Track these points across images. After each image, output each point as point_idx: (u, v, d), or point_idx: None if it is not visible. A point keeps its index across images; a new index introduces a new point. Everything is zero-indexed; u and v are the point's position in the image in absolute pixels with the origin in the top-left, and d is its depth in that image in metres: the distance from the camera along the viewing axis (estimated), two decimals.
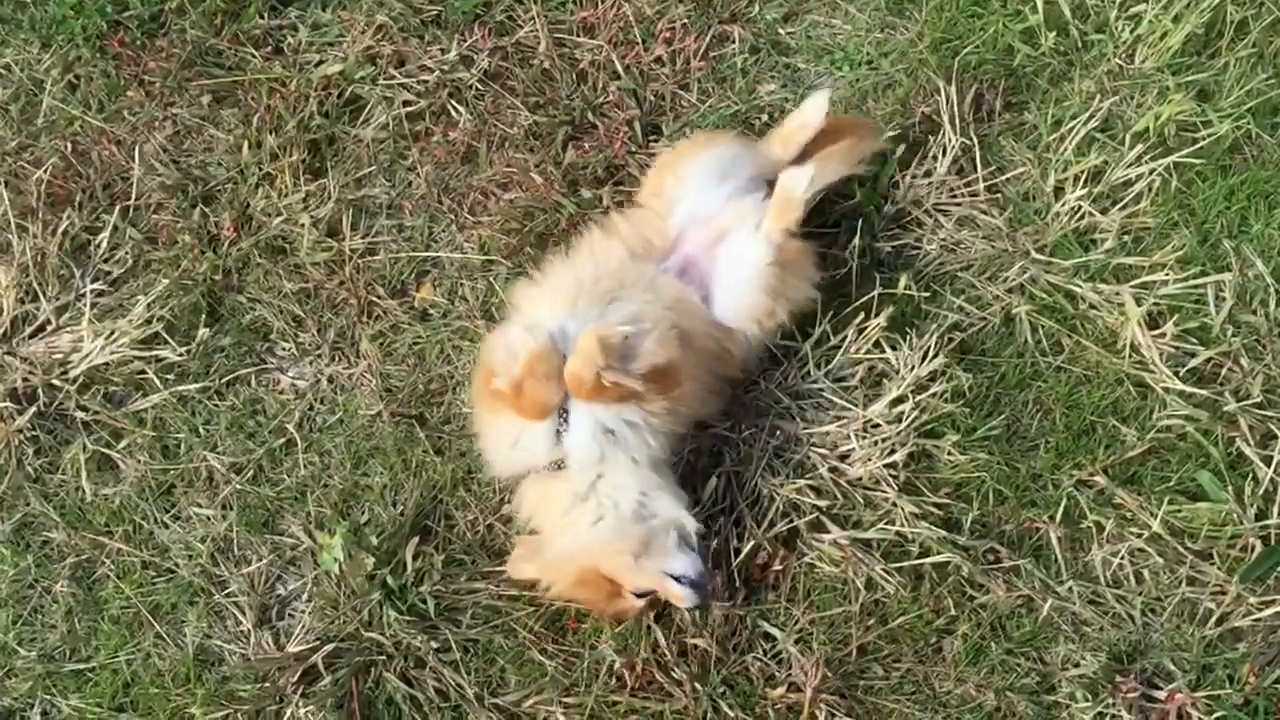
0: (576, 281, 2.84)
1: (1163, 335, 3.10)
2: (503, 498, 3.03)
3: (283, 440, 3.20)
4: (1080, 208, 3.29)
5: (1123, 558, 2.91)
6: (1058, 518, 2.93)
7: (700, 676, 2.78)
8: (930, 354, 3.05)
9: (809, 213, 2.98)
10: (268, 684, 2.87)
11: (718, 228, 2.98)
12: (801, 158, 3.12)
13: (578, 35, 3.66)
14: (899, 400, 2.99)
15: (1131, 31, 3.49)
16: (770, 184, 3.00)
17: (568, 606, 2.89)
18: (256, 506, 3.12)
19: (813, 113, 3.14)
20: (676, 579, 2.65)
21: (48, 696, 2.95)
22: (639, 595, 2.68)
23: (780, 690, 2.78)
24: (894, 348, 3.07)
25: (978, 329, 3.18)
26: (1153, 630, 2.85)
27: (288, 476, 3.15)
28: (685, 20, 3.65)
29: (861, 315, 3.08)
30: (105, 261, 3.44)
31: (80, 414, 3.22)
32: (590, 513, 2.71)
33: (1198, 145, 3.33)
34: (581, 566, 2.67)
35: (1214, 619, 2.82)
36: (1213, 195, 3.31)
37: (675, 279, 2.96)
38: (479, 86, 3.59)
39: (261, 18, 3.71)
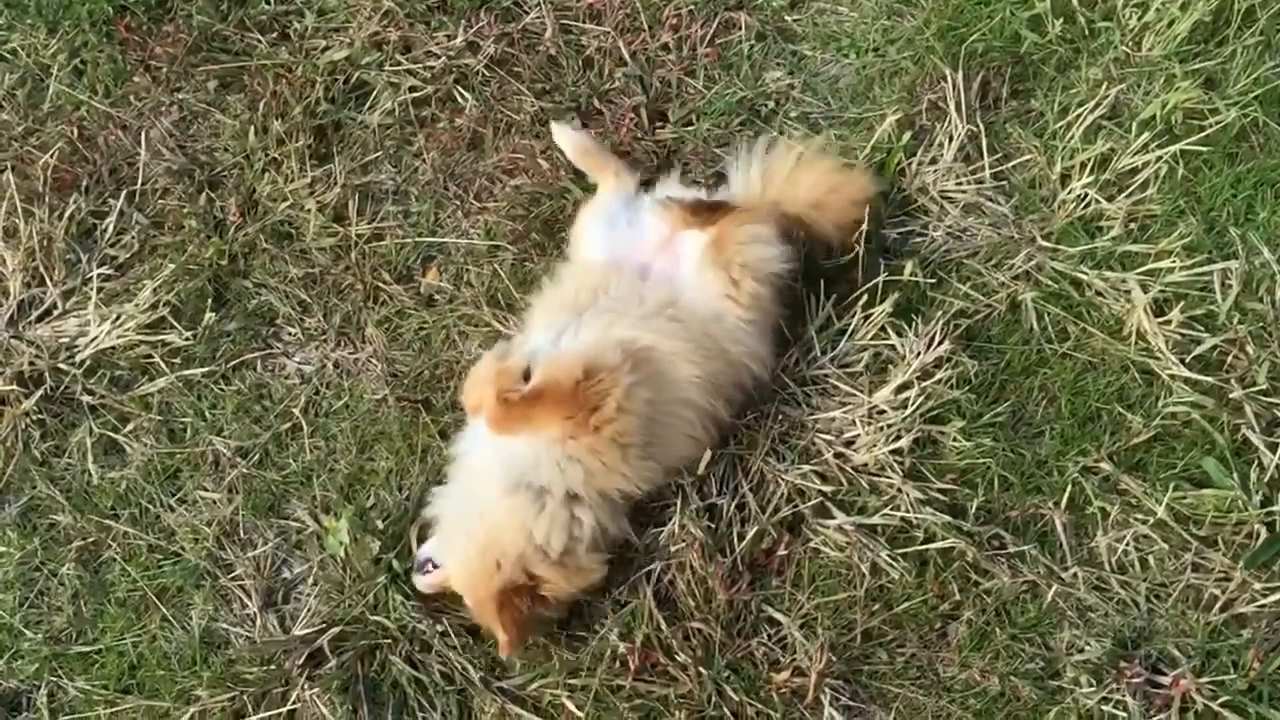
0: (561, 294, 2.96)
1: (1169, 322, 3.10)
2: None
3: (288, 425, 3.20)
4: (1087, 195, 3.29)
5: (1127, 544, 2.91)
6: (1063, 504, 2.93)
7: (705, 661, 2.79)
8: (936, 340, 3.04)
9: None
10: (273, 667, 2.88)
11: (663, 231, 3.01)
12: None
13: (584, 22, 3.66)
14: (904, 386, 2.99)
15: (1139, 19, 3.49)
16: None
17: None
18: (262, 490, 3.13)
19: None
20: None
21: (54, 678, 2.95)
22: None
23: (785, 674, 2.78)
24: (900, 334, 3.07)
25: (984, 316, 3.18)
26: (1157, 616, 2.85)
27: (293, 461, 3.16)
28: (692, 6, 3.65)
29: (867, 301, 3.08)
30: (111, 246, 3.45)
31: (87, 398, 3.22)
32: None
33: (1204, 133, 3.33)
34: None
35: (1219, 605, 2.81)
36: (1219, 183, 3.30)
37: (661, 284, 2.94)
38: (485, 73, 3.59)
39: (268, 3, 3.72)
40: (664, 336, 2.80)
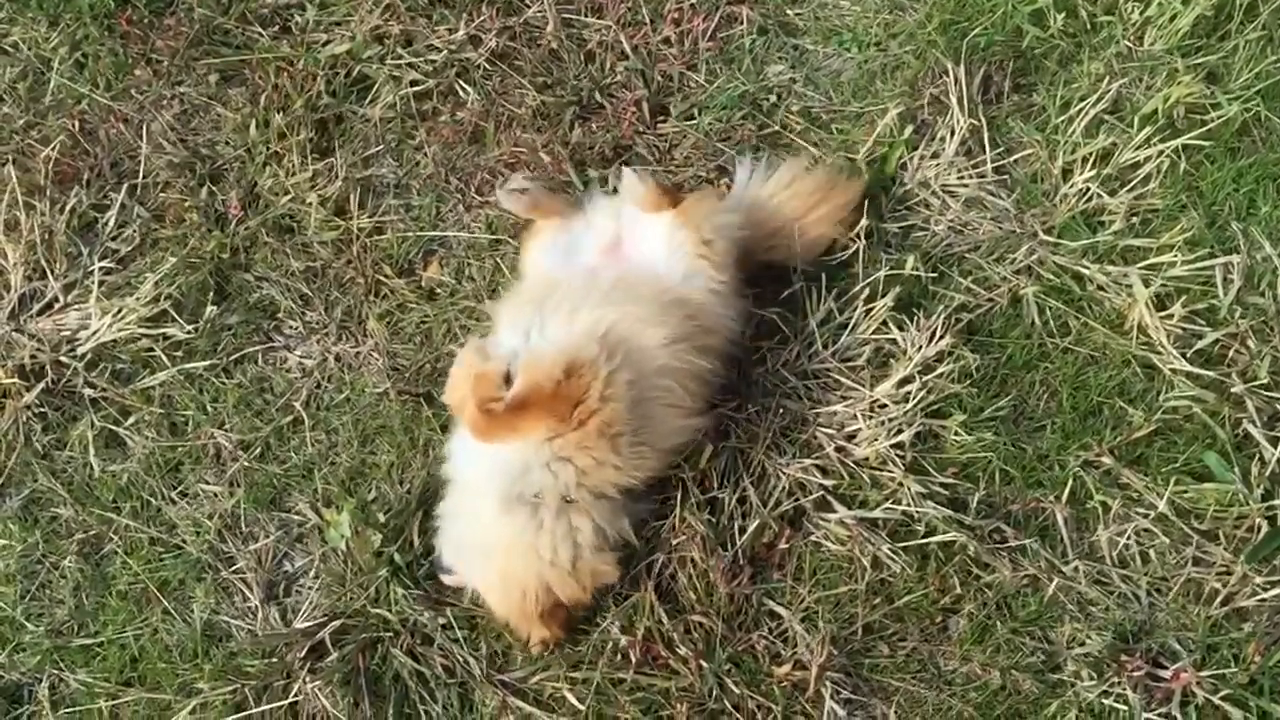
0: (521, 293, 2.97)
1: (1170, 317, 3.10)
2: None
3: (290, 418, 3.20)
4: (1088, 189, 3.30)
5: (1129, 538, 2.91)
6: (1064, 498, 2.93)
7: (706, 654, 2.79)
8: (937, 334, 3.05)
9: None
10: (275, 660, 2.88)
11: (609, 235, 3.02)
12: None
13: (585, 15, 3.66)
14: (906, 380, 2.99)
15: (1141, 13, 3.49)
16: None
17: None
18: (264, 484, 3.13)
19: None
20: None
21: (56, 671, 2.95)
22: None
23: (786, 668, 2.78)
24: (901, 328, 3.07)
25: (985, 310, 3.18)
26: (1158, 610, 2.85)
27: (295, 454, 3.16)
28: (693, 1, 3.64)
29: (869, 295, 3.09)
30: (113, 239, 3.45)
31: (88, 391, 3.22)
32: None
33: (1206, 127, 3.33)
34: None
35: (1219, 599, 2.82)
36: (1221, 177, 3.30)
37: (613, 268, 2.96)
38: (486, 66, 3.59)
39: None
40: (623, 305, 2.78)
